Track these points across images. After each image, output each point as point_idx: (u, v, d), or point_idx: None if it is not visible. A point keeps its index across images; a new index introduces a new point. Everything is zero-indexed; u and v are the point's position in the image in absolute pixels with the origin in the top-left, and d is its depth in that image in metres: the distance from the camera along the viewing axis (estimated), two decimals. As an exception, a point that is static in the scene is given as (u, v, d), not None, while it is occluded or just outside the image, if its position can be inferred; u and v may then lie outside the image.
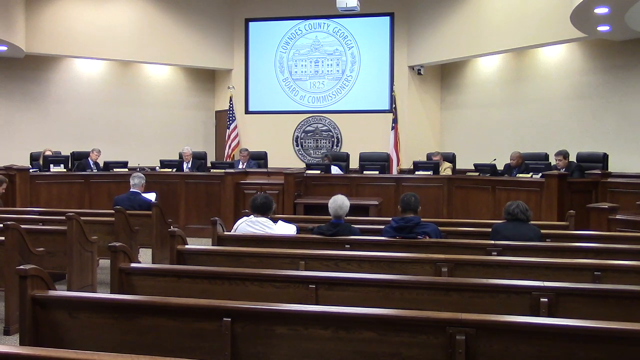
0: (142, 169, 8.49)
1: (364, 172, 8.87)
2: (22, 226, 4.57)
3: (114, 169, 9.05)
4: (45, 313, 2.62)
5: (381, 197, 8.06)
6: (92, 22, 10.64)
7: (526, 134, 9.72)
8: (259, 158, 9.89)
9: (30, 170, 8.21)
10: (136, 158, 9.95)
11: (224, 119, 11.93)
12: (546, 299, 2.81)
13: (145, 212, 6.17)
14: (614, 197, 6.62)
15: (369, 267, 3.74)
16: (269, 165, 9.20)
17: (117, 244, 3.24)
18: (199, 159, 9.84)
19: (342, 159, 9.82)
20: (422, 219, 4.36)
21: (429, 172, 8.58)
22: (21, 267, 2.62)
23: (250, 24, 11.92)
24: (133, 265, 3.30)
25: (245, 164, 9.59)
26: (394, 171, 10.38)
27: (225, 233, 4.66)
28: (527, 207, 4.45)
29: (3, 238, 4.44)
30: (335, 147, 11.57)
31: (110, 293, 3.31)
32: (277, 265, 3.72)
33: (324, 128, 11.72)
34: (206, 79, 12.52)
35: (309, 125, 11.79)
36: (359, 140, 11.08)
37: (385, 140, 10.92)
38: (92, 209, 7.97)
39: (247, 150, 9.91)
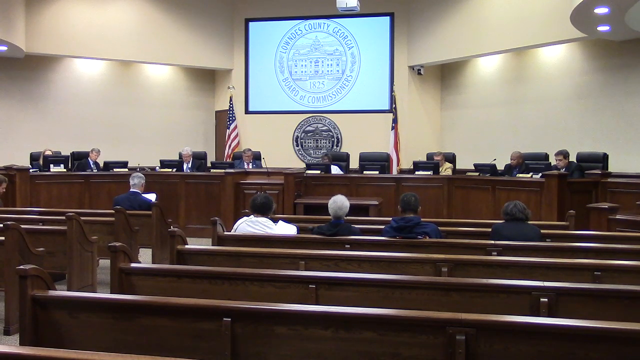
0: (142, 169, 8.48)
1: (364, 172, 8.87)
2: (22, 226, 4.57)
3: (114, 169, 9.04)
4: (45, 313, 2.61)
5: (381, 197, 8.05)
6: (92, 22, 10.64)
7: (526, 134, 9.73)
8: (255, 158, 9.88)
9: (30, 170, 8.22)
10: (136, 158, 9.95)
11: (224, 119, 11.93)
12: (546, 299, 2.81)
13: (145, 212, 6.17)
14: (614, 197, 6.62)
15: (369, 267, 3.74)
16: (269, 165, 9.19)
17: (117, 244, 3.24)
18: (199, 159, 9.83)
19: (342, 159, 9.82)
20: (422, 219, 4.36)
21: (429, 172, 8.58)
22: (21, 267, 2.62)
23: (250, 24, 11.92)
24: (133, 265, 3.29)
25: (250, 163, 9.58)
26: (394, 171, 10.37)
27: (225, 233, 4.66)
28: (524, 206, 4.45)
29: (3, 238, 4.44)
30: (335, 147, 11.57)
31: (110, 293, 3.30)
32: (277, 265, 3.72)
33: (324, 128, 11.72)
34: (206, 79, 12.52)
35: (309, 125, 11.79)
36: (359, 140, 11.08)
37: (385, 140, 10.92)
38: (92, 209, 7.96)
39: (250, 150, 9.89)
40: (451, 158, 9.58)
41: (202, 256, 3.98)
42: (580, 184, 7.02)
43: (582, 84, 9.01)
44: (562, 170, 7.19)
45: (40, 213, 6.37)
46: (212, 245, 4.58)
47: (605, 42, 8.50)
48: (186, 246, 3.95)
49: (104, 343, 2.57)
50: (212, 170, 9.26)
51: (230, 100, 11.62)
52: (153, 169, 9.43)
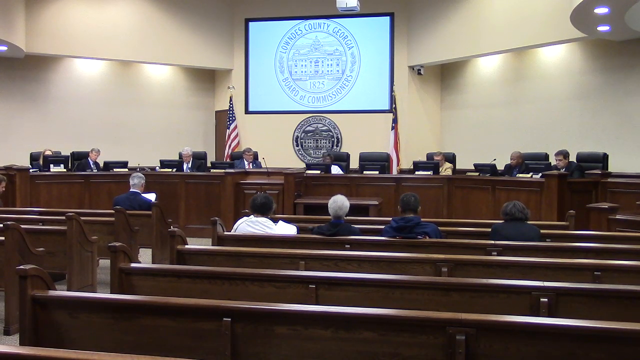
0: (142, 169, 8.49)
1: (364, 172, 8.87)
2: (22, 226, 4.57)
3: (114, 169, 9.04)
4: (45, 313, 2.61)
5: (381, 197, 8.06)
6: (92, 22, 10.64)
7: (526, 134, 9.72)
8: (254, 158, 9.86)
9: (30, 170, 8.22)
10: (136, 158, 9.95)
11: (224, 119, 11.93)
12: (546, 299, 2.81)
13: (145, 212, 6.17)
14: (614, 197, 6.62)
15: (369, 267, 3.74)
16: (269, 165, 9.21)
17: (117, 244, 3.24)
18: (199, 159, 9.83)
19: (343, 159, 9.82)
20: (422, 219, 4.36)
21: (429, 172, 8.58)
22: (21, 267, 2.62)
23: (250, 24, 11.92)
24: (133, 265, 3.29)
25: (252, 163, 9.58)
26: (394, 171, 10.38)
27: (225, 233, 4.66)
28: (523, 205, 4.46)
29: (3, 238, 4.44)
30: (335, 147, 11.58)
31: (110, 293, 3.30)
32: (277, 265, 3.72)
33: (324, 128, 11.72)
34: (206, 79, 12.52)
35: (309, 125, 11.79)
36: (359, 140, 11.08)
37: (385, 140, 10.93)
38: (92, 209, 7.97)
39: (251, 149, 9.89)
40: (451, 158, 9.58)
41: (202, 256, 3.98)
42: (580, 184, 7.02)
43: (582, 84, 9.01)
44: (562, 170, 7.19)
45: (40, 213, 6.37)
46: (212, 245, 4.58)
47: (605, 42, 8.50)
48: (186, 246, 3.95)
49: (104, 343, 2.57)
50: (212, 170, 9.26)
51: (230, 100, 11.62)
52: (153, 169, 9.43)
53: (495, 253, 4.07)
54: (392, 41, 11.34)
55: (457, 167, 9.54)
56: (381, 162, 9.37)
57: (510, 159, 8.30)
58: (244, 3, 11.89)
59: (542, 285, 2.90)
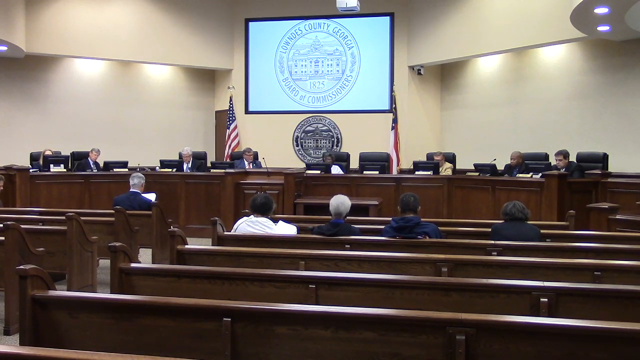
0: (142, 169, 8.48)
1: (364, 172, 8.87)
2: (22, 226, 4.57)
3: (114, 169, 9.04)
4: (45, 313, 2.61)
5: (381, 197, 8.06)
6: (92, 22, 10.65)
7: (526, 134, 9.73)
8: (254, 158, 9.86)
9: (30, 170, 8.22)
10: (136, 158, 9.95)
11: (224, 119, 11.93)
12: (546, 299, 2.81)
13: (145, 212, 6.17)
14: (614, 197, 6.62)
15: (369, 267, 3.74)
16: (269, 165, 9.21)
17: (117, 244, 3.24)
18: (199, 159, 9.83)
19: (343, 159, 9.83)
20: (422, 219, 4.36)
21: (429, 172, 8.58)
22: (21, 267, 2.62)
23: (250, 24, 11.92)
24: (133, 265, 3.29)
25: (252, 163, 9.58)
26: (394, 171, 10.38)
27: (225, 233, 4.66)
28: (523, 205, 4.46)
29: (3, 238, 4.44)
30: (335, 147, 11.58)
31: (110, 293, 3.30)
32: (277, 265, 3.72)
33: (324, 128, 11.72)
34: (206, 79, 12.52)
35: (309, 125, 11.79)
36: (359, 140, 11.08)
37: (385, 140, 10.93)
38: (92, 209, 7.96)
39: (251, 149, 9.90)
40: (451, 158, 9.58)
41: (202, 256, 3.98)
42: (580, 184, 7.02)
43: (582, 84, 9.01)
44: (562, 170, 7.19)
45: (40, 213, 6.36)
46: (212, 245, 4.58)
47: (605, 42, 8.50)
48: (186, 246, 3.95)
49: (104, 343, 2.57)
50: (212, 170, 9.25)
51: (230, 100, 11.62)
52: (153, 169, 9.43)
53: (495, 253, 4.07)
54: (392, 41, 11.34)
55: (457, 167, 9.54)
56: (381, 162, 9.38)
57: (510, 159, 8.30)
58: (244, 3, 11.89)
59: (542, 285, 2.90)
